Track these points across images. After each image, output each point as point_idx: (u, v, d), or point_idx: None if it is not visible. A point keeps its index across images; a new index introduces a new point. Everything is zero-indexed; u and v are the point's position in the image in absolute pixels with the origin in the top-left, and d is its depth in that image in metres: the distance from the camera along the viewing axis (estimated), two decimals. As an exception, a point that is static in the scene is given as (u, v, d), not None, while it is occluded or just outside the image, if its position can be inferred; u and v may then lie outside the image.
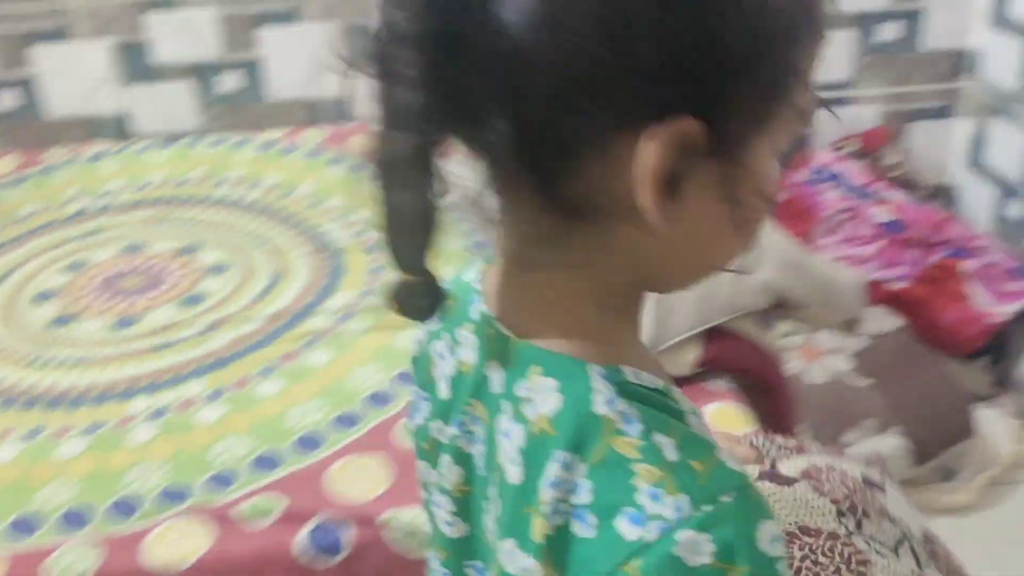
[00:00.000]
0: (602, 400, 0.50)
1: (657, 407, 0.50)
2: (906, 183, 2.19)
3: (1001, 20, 2.06)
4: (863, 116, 2.25)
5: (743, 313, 1.26)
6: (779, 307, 1.34)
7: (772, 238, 1.31)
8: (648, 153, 0.45)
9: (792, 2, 0.48)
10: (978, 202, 2.22)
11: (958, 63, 2.22)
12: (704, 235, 0.51)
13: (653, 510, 0.47)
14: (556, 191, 0.49)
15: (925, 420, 1.86)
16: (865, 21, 2.16)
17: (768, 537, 0.47)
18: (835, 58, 2.19)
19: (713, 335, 1.24)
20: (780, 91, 0.49)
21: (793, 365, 1.92)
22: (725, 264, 0.54)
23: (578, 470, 0.49)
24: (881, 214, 2.03)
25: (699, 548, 0.46)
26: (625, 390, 0.50)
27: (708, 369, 1.26)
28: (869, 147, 2.21)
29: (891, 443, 1.83)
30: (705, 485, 0.47)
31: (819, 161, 2.16)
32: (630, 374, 0.51)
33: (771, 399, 1.32)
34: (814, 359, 1.92)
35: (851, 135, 2.23)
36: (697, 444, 0.49)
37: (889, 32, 2.18)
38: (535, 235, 0.51)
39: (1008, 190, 2.10)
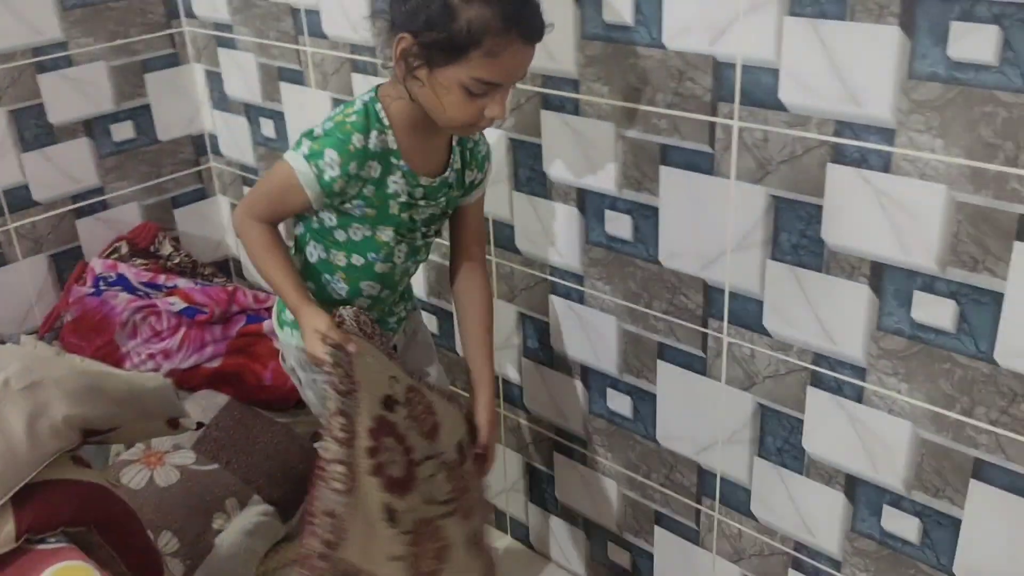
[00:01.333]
0: (359, 111, 1.30)
1: (371, 120, 1.30)
2: (188, 268, 2.26)
3: (221, 103, 2.25)
4: (126, 216, 2.27)
5: (53, 459, 1.17)
6: (93, 435, 1.28)
7: (57, 372, 1.24)
8: (398, 44, 1.22)
9: (479, 18, 1.16)
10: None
11: (199, 148, 2.37)
12: (431, 103, 1.25)
13: (323, 126, 1.30)
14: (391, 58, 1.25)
15: (279, 477, 1.95)
16: (95, 125, 2.16)
17: (327, 156, 1.28)
18: (79, 167, 2.16)
19: (28, 496, 1.14)
20: (462, 51, 1.18)
21: (140, 476, 1.87)
22: (448, 125, 1.29)
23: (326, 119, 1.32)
24: (175, 303, 2.07)
25: (318, 136, 1.30)
26: (374, 110, 1.31)
27: (36, 532, 1.15)
28: (142, 244, 2.24)
29: (257, 512, 1.89)
30: (340, 131, 1.29)
31: (98, 270, 2.12)
32: (383, 117, 1.31)
33: (115, 530, 1.26)
34: (159, 463, 1.88)
35: (120, 237, 2.22)
36: (356, 130, 1.29)
37: (122, 132, 2.21)
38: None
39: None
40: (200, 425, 1.60)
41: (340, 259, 1.38)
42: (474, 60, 1.18)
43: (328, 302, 1.39)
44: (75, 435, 1.23)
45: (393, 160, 1.31)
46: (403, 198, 1.34)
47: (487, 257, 1.70)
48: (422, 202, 1.37)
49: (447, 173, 1.38)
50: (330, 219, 1.35)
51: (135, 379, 1.37)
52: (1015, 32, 1.02)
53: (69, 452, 1.24)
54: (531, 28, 1.20)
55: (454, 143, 1.39)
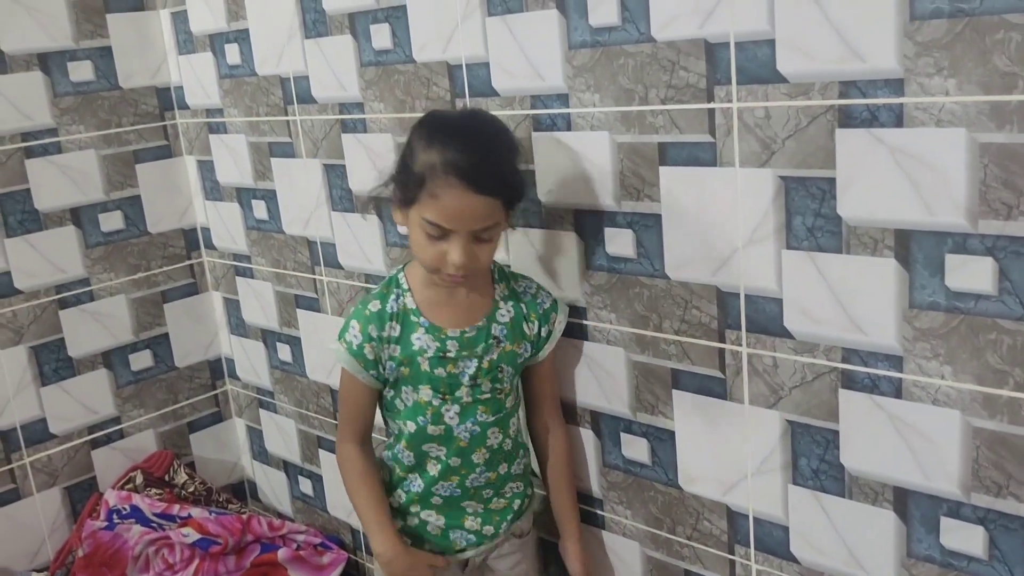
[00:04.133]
0: (383, 283, 1.44)
1: (391, 287, 1.41)
2: (203, 496, 2.23)
3: (239, 329, 2.28)
4: (142, 444, 2.25)
5: None
6: None
7: None
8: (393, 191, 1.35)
9: (427, 161, 1.25)
10: (273, 488, 2.37)
11: (216, 370, 2.37)
12: (411, 245, 1.33)
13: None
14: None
15: None
16: (114, 356, 2.17)
17: (351, 327, 1.40)
18: (97, 398, 2.17)
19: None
20: (416, 190, 1.26)
21: None
22: (424, 267, 1.34)
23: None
24: (188, 534, 2.00)
25: (346, 317, 1.44)
26: (396, 279, 1.42)
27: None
28: (156, 473, 2.20)
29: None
30: (362, 303, 1.41)
31: (112, 503, 2.07)
32: (403, 281, 1.41)
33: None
34: None
35: (135, 466, 2.19)
36: (374, 299, 1.41)
37: (141, 361, 2.23)
38: None
39: (292, 471, 2.28)
40: None
41: (402, 428, 1.44)
42: (423, 200, 1.26)
43: (406, 471, 1.47)
44: None
45: (413, 318, 1.38)
46: (431, 353, 1.38)
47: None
48: (454, 354, 1.38)
49: (482, 323, 1.39)
50: (387, 392, 1.44)
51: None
52: (1010, 263, 1.02)
53: None
54: (472, 176, 1.23)
55: (497, 295, 1.41)
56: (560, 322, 1.45)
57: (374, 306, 1.39)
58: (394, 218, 1.36)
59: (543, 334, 1.44)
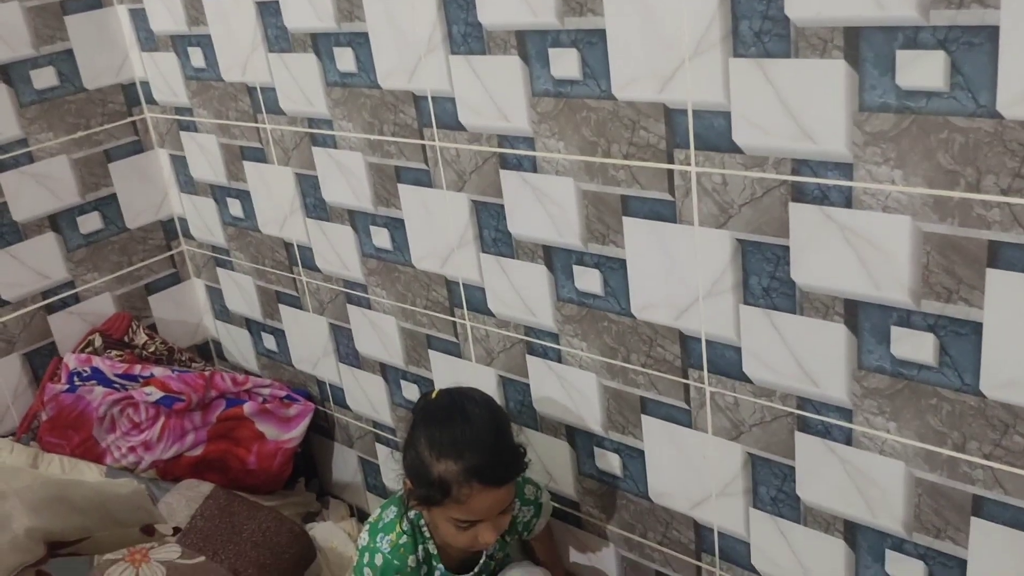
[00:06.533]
0: (408, 532, 1.54)
1: (418, 538, 1.55)
2: (164, 356, 2.20)
3: (187, 187, 2.20)
4: (99, 308, 2.21)
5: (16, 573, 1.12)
6: (60, 547, 1.20)
7: (19, 483, 1.19)
8: (406, 486, 1.47)
9: (444, 472, 1.38)
10: (237, 345, 2.35)
11: (170, 230, 2.31)
12: (437, 531, 1.52)
13: (379, 549, 1.53)
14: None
15: (269, 564, 1.84)
16: (61, 219, 2.11)
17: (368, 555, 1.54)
18: (48, 262, 2.11)
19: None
20: (439, 499, 1.40)
21: (125, 575, 1.70)
22: (451, 549, 1.54)
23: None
24: (152, 393, 1.98)
25: (379, 565, 1.53)
26: (419, 528, 1.56)
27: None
28: (116, 335, 2.16)
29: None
30: (397, 558, 1.52)
31: (72, 366, 2.03)
32: (425, 529, 1.56)
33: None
34: (144, 560, 1.72)
35: (93, 330, 2.15)
36: (407, 551, 1.53)
37: (90, 224, 2.16)
38: None
39: (255, 327, 2.26)
40: (176, 530, 1.57)
41: None
42: (449, 505, 1.40)
43: None
44: (39, 548, 1.16)
45: (434, 563, 1.56)
46: None
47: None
48: None
49: (483, 559, 1.61)
50: None
51: (105, 487, 1.30)
52: (962, 56, 0.94)
53: (32, 567, 1.17)
54: (491, 476, 1.38)
55: None
56: (541, 524, 1.65)
57: (412, 561, 1.52)
58: (411, 506, 1.50)
59: (523, 536, 1.64)
